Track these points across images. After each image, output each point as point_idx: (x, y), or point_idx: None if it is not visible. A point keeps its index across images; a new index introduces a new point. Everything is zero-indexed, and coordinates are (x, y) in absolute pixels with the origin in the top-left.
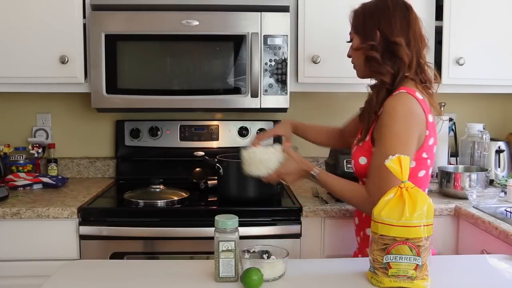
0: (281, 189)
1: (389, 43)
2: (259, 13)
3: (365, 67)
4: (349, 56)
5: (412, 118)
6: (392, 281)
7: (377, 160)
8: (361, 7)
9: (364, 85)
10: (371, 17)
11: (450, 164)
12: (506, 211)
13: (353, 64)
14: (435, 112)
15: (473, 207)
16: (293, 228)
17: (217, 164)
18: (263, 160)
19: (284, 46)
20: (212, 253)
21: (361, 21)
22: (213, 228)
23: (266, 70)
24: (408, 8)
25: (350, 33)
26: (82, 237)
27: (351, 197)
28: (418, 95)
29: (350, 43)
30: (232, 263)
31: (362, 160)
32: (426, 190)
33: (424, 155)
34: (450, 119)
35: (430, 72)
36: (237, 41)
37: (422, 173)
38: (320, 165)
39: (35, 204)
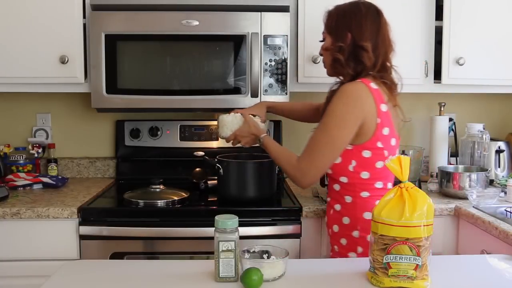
0: (281, 189)
1: (356, 47)
2: (259, 13)
3: (330, 67)
4: (320, 54)
5: (356, 102)
6: (392, 281)
7: (315, 134)
8: (335, 9)
9: None
10: (343, 19)
11: (450, 164)
12: (506, 211)
13: (323, 63)
14: (400, 114)
15: (473, 207)
16: (293, 228)
17: (217, 164)
18: (227, 123)
19: (284, 46)
20: (212, 253)
21: (334, 22)
22: (213, 228)
23: (266, 70)
24: (378, 13)
25: (323, 33)
26: (82, 237)
27: (283, 162)
28: (373, 85)
29: (323, 42)
30: (232, 263)
31: (337, 160)
32: (390, 184)
33: (379, 144)
34: (450, 119)
35: (395, 74)
36: (237, 41)
37: (380, 164)
38: None
39: (35, 204)
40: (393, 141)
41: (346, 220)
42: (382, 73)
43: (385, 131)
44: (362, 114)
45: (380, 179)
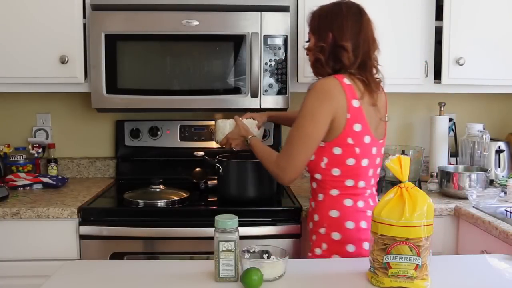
0: (281, 189)
1: (336, 46)
2: (259, 13)
3: (313, 67)
4: (307, 54)
5: (325, 96)
6: (392, 281)
7: (291, 131)
8: (318, 10)
9: None
10: (325, 20)
11: (450, 164)
12: (506, 211)
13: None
14: (378, 113)
15: (473, 207)
16: (293, 228)
17: (217, 164)
18: (221, 128)
19: (284, 46)
20: (212, 253)
21: (317, 23)
22: (213, 228)
23: (266, 70)
24: (361, 12)
25: (308, 33)
26: (82, 237)
27: (265, 160)
28: (346, 80)
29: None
30: (232, 263)
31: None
32: (362, 183)
33: (350, 140)
34: (450, 119)
35: (379, 73)
36: (237, 41)
37: (351, 161)
38: None
39: (35, 204)
40: (367, 139)
41: (316, 217)
42: (361, 71)
43: (357, 127)
44: (333, 108)
45: (351, 177)
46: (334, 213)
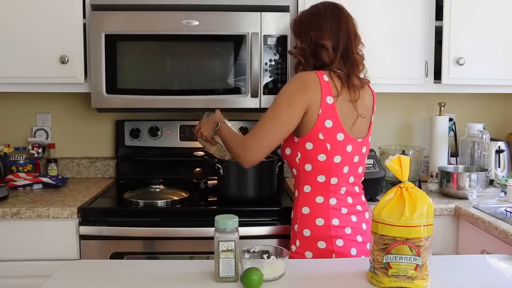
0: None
1: (316, 46)
2: (259, 13)
3: (295, 69)
4: (294, 57)
5: (301, 87)
6: (392, 281)
7: (264, 114)
8: (299, 15)
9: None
10: (305, 23)
11: (450, 164)
12: (506, 211)
13: None
14: (358, 110)
15: (473, 207)
16: None
17: (217, 164)
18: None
19: (284, 46)
20: (212, 253)
21: (298, 27)
22: (213, 228)
23: (266, 70)
24: (339, 9)
25: (295, 40)
26: (82, 237)
27: (231, 142)
28: (325, 77)
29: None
30: (232, 263)
31: (287, 151)
32: (334, 179)
33: (321, 136)
34: (450, 119)
35: (364, 70)
36: (237, 41)
37: (322, 157)
38: None
39: (35, 204)
40: (340, 136)
41: (292, 214)
42: (343, 66)
43: (328, 123)
44: (307, 100)
45: (323, 173)
46: (305, 210)
